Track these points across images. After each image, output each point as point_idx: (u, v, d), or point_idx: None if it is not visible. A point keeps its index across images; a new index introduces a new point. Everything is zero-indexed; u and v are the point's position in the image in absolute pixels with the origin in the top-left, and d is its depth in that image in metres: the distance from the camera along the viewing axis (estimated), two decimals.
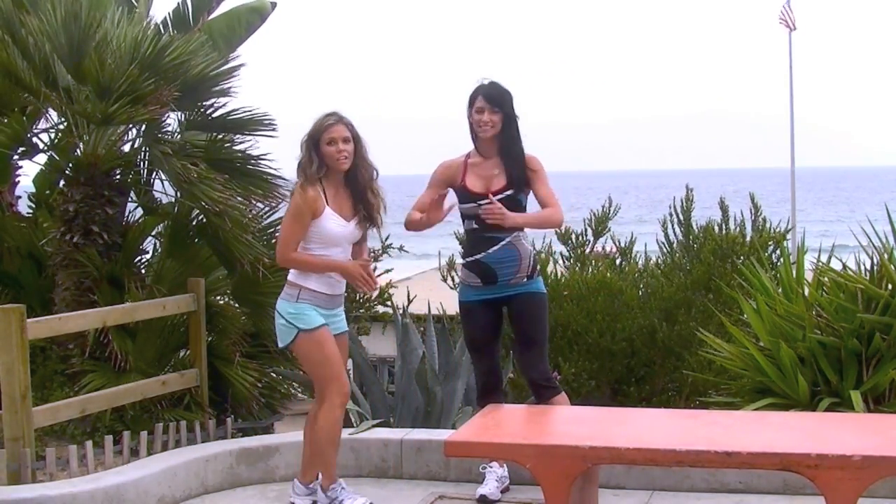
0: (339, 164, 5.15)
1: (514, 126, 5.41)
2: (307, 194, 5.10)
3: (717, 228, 8.28)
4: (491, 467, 5.46)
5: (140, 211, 7.90)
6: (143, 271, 7.74)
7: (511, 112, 5.38)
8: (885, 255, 6.34)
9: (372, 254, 5.45)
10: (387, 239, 9.68)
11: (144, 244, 7.88)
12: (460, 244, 8.15)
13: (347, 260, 5.22)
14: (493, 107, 5.33)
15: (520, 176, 5.36)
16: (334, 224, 5.14)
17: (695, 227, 8.51)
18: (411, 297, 8.71)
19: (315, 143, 5.16)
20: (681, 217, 8.62)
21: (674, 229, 8.64)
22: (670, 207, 8.72)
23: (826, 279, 6.43)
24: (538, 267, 5.57)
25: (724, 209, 8.52)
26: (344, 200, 5.21)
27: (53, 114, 7.91)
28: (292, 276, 5.23)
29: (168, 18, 9.17)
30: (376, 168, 5.34)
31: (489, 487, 5.40)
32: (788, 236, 8.21)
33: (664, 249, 8.67)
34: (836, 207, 68.44)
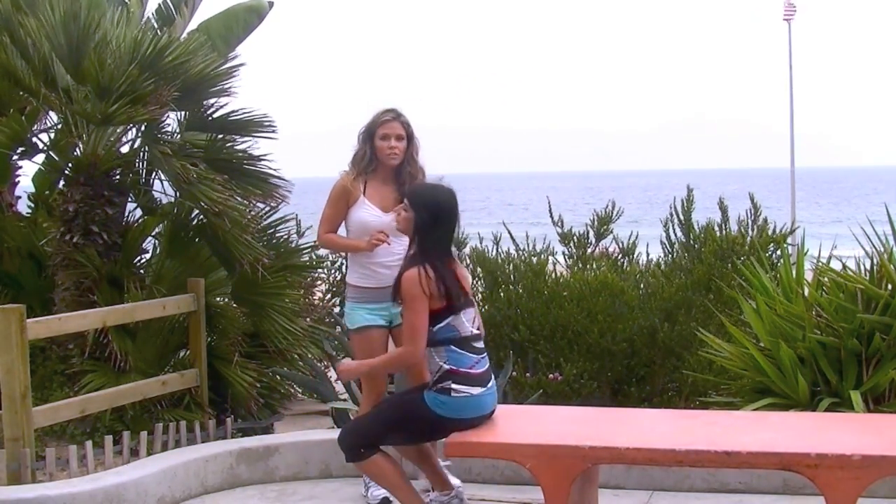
0: (389, 159, 5.33)
1: None
2: (343, 180, 5.38)
3: (717, 229, 8.25)
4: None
5: (140, 211, 7.89)
6: (142, 271, 7.73)
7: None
8: (885, 256, 6.34)
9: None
10: None
11: (144, 244, 7.87)
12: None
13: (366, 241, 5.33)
14: None
15: None
16: (366, 213, 5.33)
17: (695, 227, 8.48)
18: None
19: (370, 136, 5.37)
20: (681, 217, 8.59)
21: (674, 230, 8.61)
22: (671, 207, 8.70)
23: (826, 279, 6.42)
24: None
25: (723, 209, 8.50)
26: (388, 194, 5.36)
27: (53, 114, 7.91)
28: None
29: (152, 18, 9.13)
30: (423, 169, 5.47)
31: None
32: (789, 237, 8.18)
33: (665, 250, 8.65)
34: (836, 208, 68.51)
